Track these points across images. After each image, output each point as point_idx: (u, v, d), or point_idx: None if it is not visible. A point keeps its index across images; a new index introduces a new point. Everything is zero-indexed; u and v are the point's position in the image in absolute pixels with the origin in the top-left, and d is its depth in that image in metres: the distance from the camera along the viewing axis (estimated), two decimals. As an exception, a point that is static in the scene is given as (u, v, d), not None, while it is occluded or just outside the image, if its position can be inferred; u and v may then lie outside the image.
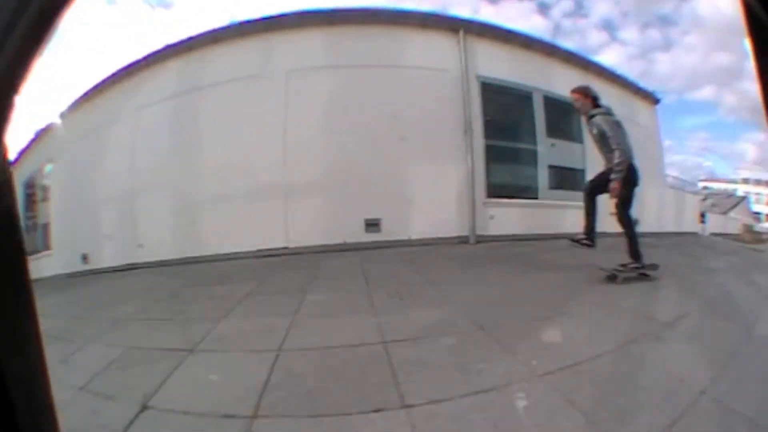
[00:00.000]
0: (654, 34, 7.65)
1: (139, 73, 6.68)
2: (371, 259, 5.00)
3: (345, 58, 5.95)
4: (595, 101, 3.83)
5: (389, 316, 2.97)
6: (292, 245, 5.46)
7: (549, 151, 6.34)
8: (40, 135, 7.02)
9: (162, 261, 6.11)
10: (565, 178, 6.30)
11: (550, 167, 6.38)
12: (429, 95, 5.93)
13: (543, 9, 7.93)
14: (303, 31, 6.04)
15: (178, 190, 6.15)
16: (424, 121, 5.79)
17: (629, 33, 7.71)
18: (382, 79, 5.90)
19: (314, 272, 4.58)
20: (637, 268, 3.59)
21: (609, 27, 7.56)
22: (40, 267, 7.59)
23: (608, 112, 3.81)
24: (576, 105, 3.90)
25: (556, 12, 7.74)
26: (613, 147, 3.60)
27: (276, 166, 5.54)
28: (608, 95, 5.91)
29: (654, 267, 3.64)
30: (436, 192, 5.66)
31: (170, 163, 6.21)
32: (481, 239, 5.55)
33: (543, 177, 6.38)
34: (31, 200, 8.03)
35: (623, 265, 3.60)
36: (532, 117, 6.35)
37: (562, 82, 5.52)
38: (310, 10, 6.04)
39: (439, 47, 6.07)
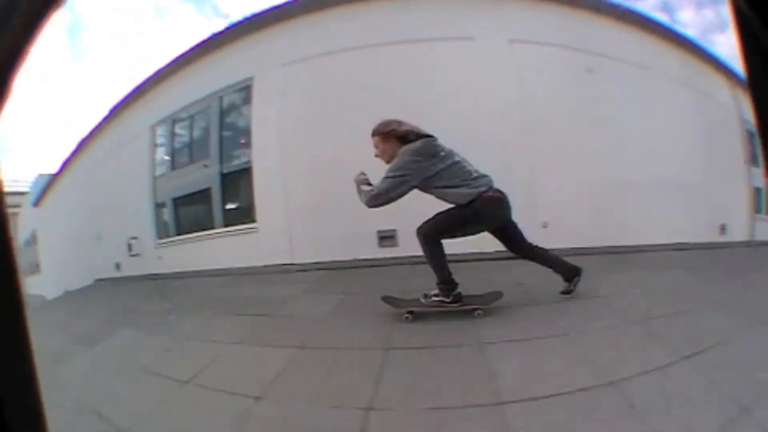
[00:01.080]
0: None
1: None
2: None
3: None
4: (402, 139, 2.67)
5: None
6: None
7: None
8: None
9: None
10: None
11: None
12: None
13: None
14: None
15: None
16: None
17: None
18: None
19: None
20: (443, 301, 2.72)
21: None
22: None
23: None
24: (378, 154, 2.73)
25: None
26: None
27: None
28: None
29: (494, 296, 2.75)
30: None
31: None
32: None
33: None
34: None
35: (425, 296, 2.79)
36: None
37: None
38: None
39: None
